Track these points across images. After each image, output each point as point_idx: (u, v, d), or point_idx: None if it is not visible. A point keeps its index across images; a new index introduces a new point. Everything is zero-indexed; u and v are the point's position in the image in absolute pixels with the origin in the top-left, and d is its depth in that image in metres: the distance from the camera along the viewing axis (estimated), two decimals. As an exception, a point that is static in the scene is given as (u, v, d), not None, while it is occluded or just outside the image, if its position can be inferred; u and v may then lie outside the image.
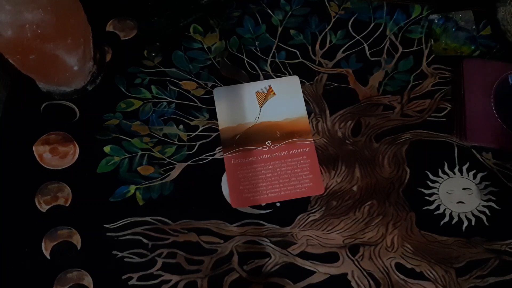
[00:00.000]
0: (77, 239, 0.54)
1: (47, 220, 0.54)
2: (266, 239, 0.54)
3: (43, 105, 0.59)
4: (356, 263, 0.53)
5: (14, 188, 0.55)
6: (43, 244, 0.53)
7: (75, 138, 0.57)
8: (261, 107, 0.59)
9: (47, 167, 0.56)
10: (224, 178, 0.56)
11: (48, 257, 0.53)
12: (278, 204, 0.55)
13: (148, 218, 0.54)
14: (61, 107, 0.59)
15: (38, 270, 0.53)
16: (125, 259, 0.53)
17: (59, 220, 0.54)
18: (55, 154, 0.56)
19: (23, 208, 0.54)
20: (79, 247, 0.53)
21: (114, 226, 0.54)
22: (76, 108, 0.59)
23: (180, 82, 0.60)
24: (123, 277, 0.52)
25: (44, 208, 0.55)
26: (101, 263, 0.53)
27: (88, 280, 0.52)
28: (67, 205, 0.55)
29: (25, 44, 0.47)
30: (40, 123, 0.58)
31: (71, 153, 0.57)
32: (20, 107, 0.58)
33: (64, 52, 0.51)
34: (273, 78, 0.60)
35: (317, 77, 0.60)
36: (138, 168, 0.56)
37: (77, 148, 0.57)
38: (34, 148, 0.57)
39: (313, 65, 0.61)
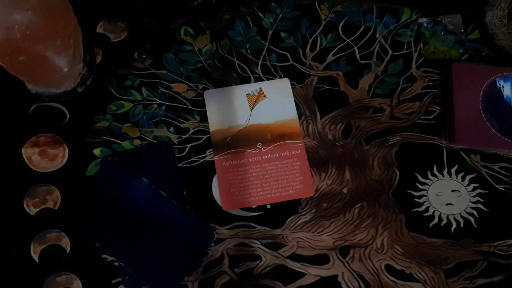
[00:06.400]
0: (66, 243, 0.53)
1: (36, 223, 0.54)
2: (256, 241, 0.54)
3: (32, 107, 0.58)
4: (346, 265, 0.54)
5: (2, 191, 0.55)
6: (31, 247, 0.53)
7: (64, 140, 0.57)
8: (252, 109, 0.59)
9: (36, 169, 0.56)
10: (215, 180, 0.56)
11: (37, 260, 0.53)
12: (268, 206, 0.56)
13: (138, 221, 0.54)
14: (50, 109, 0.58)
15: (27, 274, 0.52)
16: (115, 263, 0.53)
17: (48, 223, 0.54)
18: (44, 156, 0.56)
19: (11, 211, 0.54)
20: (68, 251, 0.53)
21: (104, 229, 0.54)
22: (65, 110, 0.58)
23: (171, 84, 0.60)
24: (113, 281, 0.52)
25: (32, 211, 0.54)
26: (91, 267, 0.52)
27: (77, 284, 0.52)
28: (56, 208, 0.54)
29: (14, 45, 0.47)
30: (29, 125, 0.57)
31: (60, 156, 0.56)
32: (9, 109, 0.58)
33: (54, 54, 0.50)
34: (264, 80, 0.60)
35: (307, 80, 0.61)
36: (128, 171, 0.56)
37: (67, 150, 0.57)
38: (23, 150, 0.56)
39: (304, 67, 0.61)
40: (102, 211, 0.53)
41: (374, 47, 0.62)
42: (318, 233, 0.55)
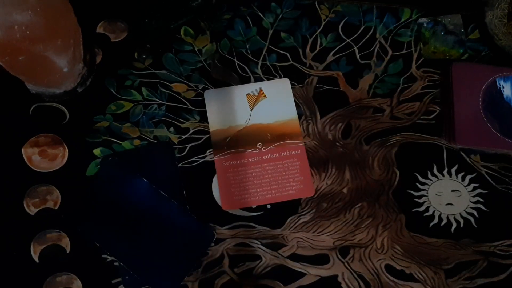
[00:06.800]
0: (66, 243, 0.53)
1: (36, 223, 0.54)
2: (256, 241, 0.54)
3: (33, 107, 0.58)
4: (346, 265, 0.54)
5: (2, 191, 0.55)
6: (31, 247, 0.53)
7: (64, 140, 0.57)
8: (252, 109, 0.59)
9: (36, 169, 0.56)
10: (215, 180, 0.56)
11: (37, 260, 0.53)
12: (268, 206, 0.56)
13: (138, 221, 0.54)
14: (50, 109, 0.58)
15: (27, 274, 0.52)
16: (115, 263, 0.53)
17: (48, 223, 0.54)
18: (44, 156, 0.56)
19: (11, 211, 0.54)
20: (68, 251, 0.53)
21: (104, 229, 0.54)
22: (65, 110, 0.58)
23: (171, 84, 0.60)
24: (113, 281, 0.52)
25: (32, 211, 0.54)
26: (91, 267, 0.52)
27: (77, 284, 0.52)
28: (56, 208, 0.54)
29: (14, 45, 0.47)
30: (29, 125, 0.57)
31: (61, 156, 0.56)
32: (9, 109, 0.58)
33: (54, 54, 0.50)
34: (264, 80, 0.60)
35: (307, 80, 0.61)
36: (128, 171, 0.56)
37: (67, 150, 0.57)
38: (23, 150, 0.56)
39: (304, 67, 0.61)
40: (102, 211, 0.53)
41: (374, 47, 0.62)
42: (318, 233, 0.55)
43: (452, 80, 0.59)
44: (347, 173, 0.57)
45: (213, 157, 0.57)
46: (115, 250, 0.52)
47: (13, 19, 0.46)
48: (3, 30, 0.46)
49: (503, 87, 0.59)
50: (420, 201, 0.56)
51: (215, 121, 0.58)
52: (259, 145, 0.57)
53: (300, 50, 0.62)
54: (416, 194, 0.56)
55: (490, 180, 0.57)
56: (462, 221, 0.55)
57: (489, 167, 0.58)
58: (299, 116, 0.59)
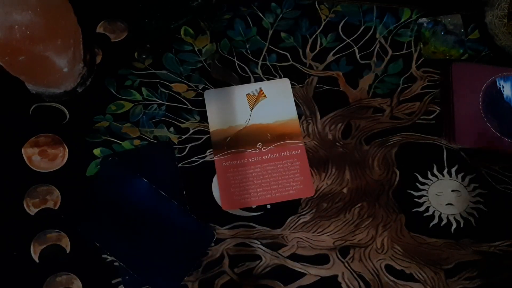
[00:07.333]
0: (66, 243, 0.53)
1: (36, 223, 0.54)
2: (256, 241, 0.54)
3: (33, 107, 0.58)
4: (346, 265, 0.54)
5: (2, 191, 0.55)
6: (31, 247, 0.53)
7: (64, 140, 0.57)
8: (252, 109, 0.59)
9: (36, 169, 0.56)
10: (215, 180, 0.56)
11: (37, 260, 0.53)
12: (268, 206, 0.56)
13: (138, 221, 0.54)
14: (50, 109, 0.58)
15: (27, 274, 0.52)
16: (115, 263, 0.53)
17: (48, 223, 0.54)
18: (44, 156, 0.56)
19: (11, 211, 0.54)
20: (68, 251, 0.53)
21: (104, 229, 0.54)
22: (65, 110, 0.58)
23: (171, 85, 0.60)
24: (113, 281, 0.52)
25: (32, 211, 0.54)
26: (91, 267, 0.52)
27: (77, 284, 0.52)
28: (56, 208, 0.54)
29: (14, 45, 0.47)
30: (29, 125, 0.57)
31: (61, 156, 0.56)
32: (9, 109, 0.58)
33: (54, 54, 0.50)
34: (264, 80, 0.60)
35: (307, 80, 0.61)
36: (128, 171, 0.56)
37: (67, 150, 0.57)
38: (23, 150, 0.56)
39: (304, 67, 0.61)
40: (102, 211, 0.53)
41: (374, 47, 0.62)
42: (318, 233, 0.55)
43: (452, 80, 0.59)
44: (347, 173, 0.57)
45: (213, 157, 0.57)
46: (115, 250, 0.52)
47: (13, 19, 0.46)
48: (3, 30, 0.46)
49: (503, 87, 0.59)
50: (420, 201, 0.56)
51: (215, 121, 0.58)
52: (259, 145, 0.57)
53: (300, 50, 0.62)
54: (416, 194, 0.56)
55: (490, 180, 0.57)
56: (462, 221, 0.55)
57: (489, 167, 0.58)
58: (299, 116, 0.59)
